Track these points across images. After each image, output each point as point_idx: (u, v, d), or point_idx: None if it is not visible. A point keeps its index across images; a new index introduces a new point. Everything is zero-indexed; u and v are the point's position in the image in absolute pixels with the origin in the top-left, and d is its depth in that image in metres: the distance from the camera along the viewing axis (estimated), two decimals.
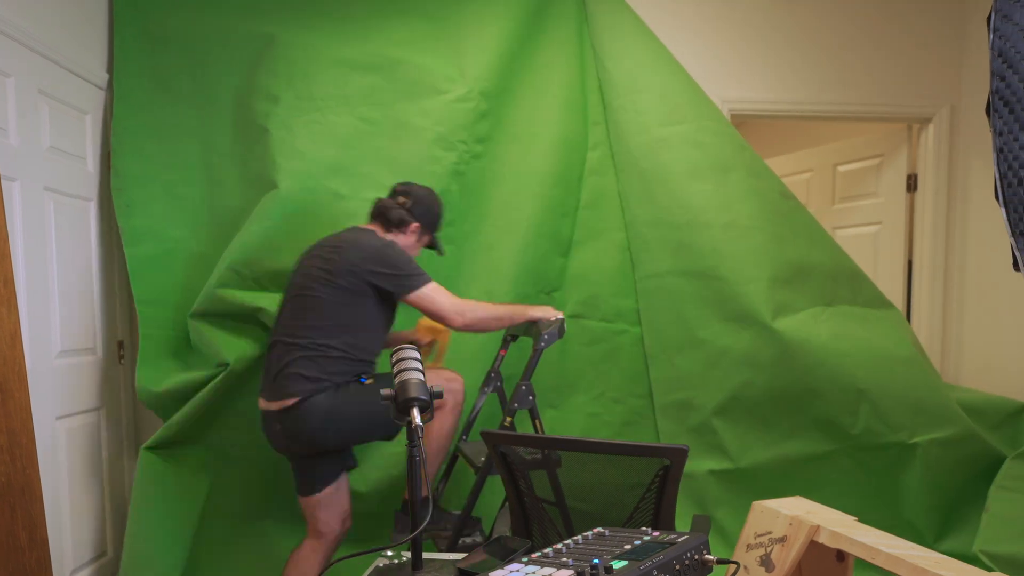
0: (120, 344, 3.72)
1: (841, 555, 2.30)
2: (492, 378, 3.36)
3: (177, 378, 3.34)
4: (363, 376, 2.81)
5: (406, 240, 3.02)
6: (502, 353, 3.37)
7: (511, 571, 1.27)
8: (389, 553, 1.99)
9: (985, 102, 1.20)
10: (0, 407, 2.54)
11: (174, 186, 3.63)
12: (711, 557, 1.44)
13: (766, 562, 2.26)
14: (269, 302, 3.34)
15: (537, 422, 3.04)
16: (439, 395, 1.83)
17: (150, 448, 3.32)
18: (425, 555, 1.87)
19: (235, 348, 3.33)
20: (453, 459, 3.42)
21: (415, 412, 1.74)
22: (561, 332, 3.09)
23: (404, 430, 1.96)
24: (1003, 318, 4.15)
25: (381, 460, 3.52)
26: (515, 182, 3.79)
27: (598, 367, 3.87)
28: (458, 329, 2.90)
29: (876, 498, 3.70)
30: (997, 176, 1.18)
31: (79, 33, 3.41)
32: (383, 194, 3.42)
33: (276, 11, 3.71)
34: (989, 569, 3.16)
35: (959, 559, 3.57)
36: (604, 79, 3.92)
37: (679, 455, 2.09)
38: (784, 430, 3.70)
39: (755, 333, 3.64)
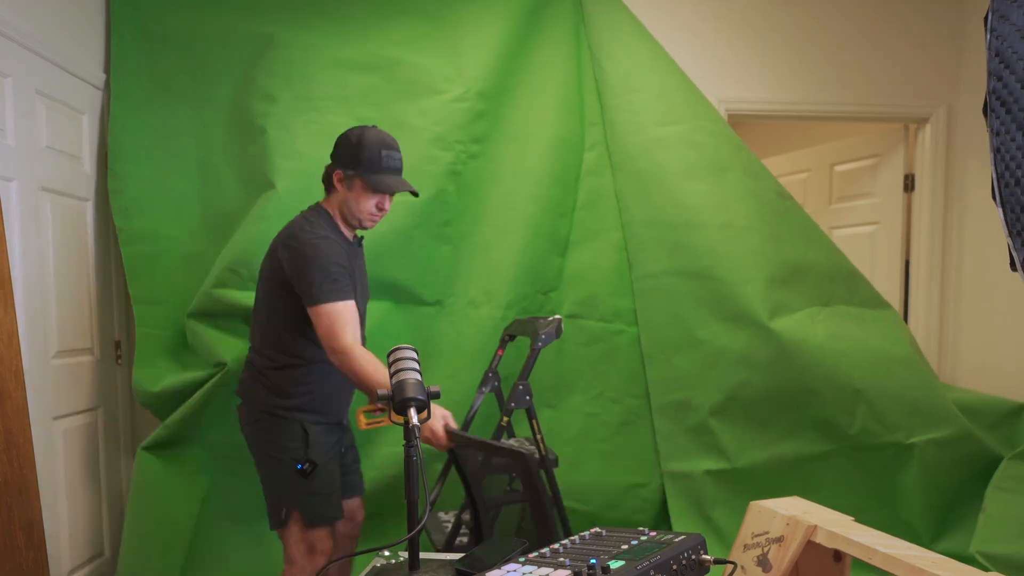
0: (117, 344, 3.72)
1: (838, 555, 2.30)
2: (489, 378, 3.37)
3: (174, 378, 3.34)
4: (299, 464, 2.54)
5: (341, 196, 2.62)
6: (499, 353, 3.37)
7: (508, 571, 1.27)
8: (386, 553, 1.99)
9: (982, 102, 1.20)
10: None
11: (171, 186, 3.62)
12: (708, 557, 1.44)
13: (763, 562, 2.26)
14: None
15: (534, 422, 3.04)
16: (436, 395, 1.83)
17: (147, 448, 3.32)
18: (422, 555, 1.87)
19: (232, 348, 3.32)
20: (450, 459, 3.42)
21: (412, 412, 1.74)
22: (558, 332, 3.06)
23: None
24: (1000, 318, 4.16)
25: (378, 460, 3.52)
26: (512, 182, 3.79)
27: (596, 367, 3.87)
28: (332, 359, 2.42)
29: (873, 498, 3.70)
30: (994, 176, 1.18)
31: (76, 33, 3.41)
32: None
33: (274, 11, 3.71)
34: (986, 570, 3.16)
35: (956, 559, 3.59)
36: (601, 79, 3.92)
37: (522, 460, 2.13)
38: (781, 430, 3.70)
39: (752, 333, 3.64)
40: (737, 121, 4.54)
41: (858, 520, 2.33)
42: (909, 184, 4.65)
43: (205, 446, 3.49)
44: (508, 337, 3.37)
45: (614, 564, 1.26)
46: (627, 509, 3.77)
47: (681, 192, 3.75)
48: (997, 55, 1.16)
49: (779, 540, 2.21)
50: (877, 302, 3.89)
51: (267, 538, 3.52)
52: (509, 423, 3.09)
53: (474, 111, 3.71)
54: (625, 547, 1.39)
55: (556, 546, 1.45)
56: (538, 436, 3.02)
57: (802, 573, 2.31)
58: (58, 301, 3.21)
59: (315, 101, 3.61)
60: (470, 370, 3.60)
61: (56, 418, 3.19)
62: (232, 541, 3.49)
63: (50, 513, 3.05)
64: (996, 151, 1.18)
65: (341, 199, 2.62)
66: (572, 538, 1.51)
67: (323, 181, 2.68)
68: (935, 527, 3.71)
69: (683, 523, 3.68)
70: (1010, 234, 1.16)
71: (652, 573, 1.26)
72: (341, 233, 2.65)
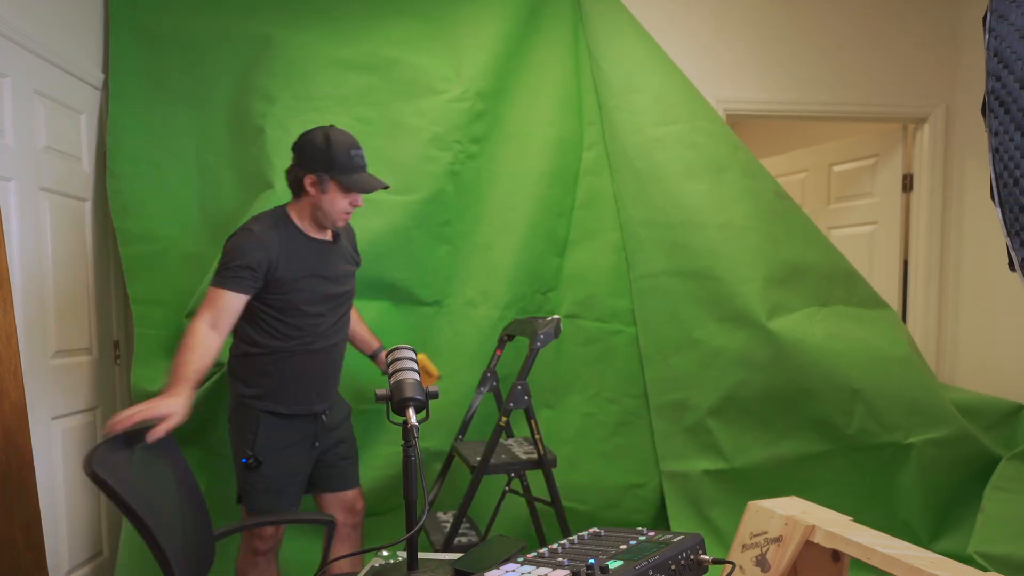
0: (116, 344, 3.71)
1: (837, 555, 2.30)
2: (488, 378, 3.37)
3: None
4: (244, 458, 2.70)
5: (312, 199, 2.64)
6: (498, 353, 3.38)
7: (507, 571, 1.27)
8: (385, 553, 1.99)
9: (980, 102, 1.20)
10: None
11: (170, 186, 3.62)
12: (706, 557, 1.44)
13: (762, 562, 2.26)
14: None
15: (533, 422, 3.04)
16: (434, 395, 1.83)
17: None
18: (421, 555, 1.87)
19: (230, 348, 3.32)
20: (449, 459, 3.42)
21: (410, 412, 1.74)
22: (557, 332, 3.05)
23: None
24: (999, 318, 4.16)
25: (376, 460, 3.52)
26: (511, 182, 3.79)
27: (594, 367, 3.87)
28: None
29: (871, 498, 3.70)
30: (993, 176, 1.18)
31: (75, 33, 3.41)
32: (380, 194, 3.41)
33: (273, 11, 3.71)
34: (984, 570, 3.17)
35: (954, 559, 3.59)
36: (599, 79, 3.92)
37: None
38: (779, 430, 3.70)
39: (750, 333, 3.64)
40: (735, 121, 4.54)
41: (856, 520, 2.33)
42: (907, 184, 4.65)
43: (203, 446, 3.49)
44: (507, 337, 3.37)
45: (612, 564, 1.26)
46: (625, 509, 3.77)
47: (679, 192, 3.75)
48: (995, 55, 1.16)
49: (777, 540, 2.22)
50: (875, 302, 3.89)
51: None
52: (508, 423, 3.09)
53: (473, 111, 3.71)
54: (624, 547, 1.39)
55: (555, 546, 1.45)
56: (536, 436, 3.02)
57: (800, 573, 2.31)
58: (57, 301, 3.21)
59: (314, 101, 3.61)
60: (468, 370, 3.60)
61: (55, 418, 3.19)
62: (229, 541, 3.49)
63: (48, 513, 3.05)
64: (995, 151, 1.17)
65: (313, 202, 2.64)
66: (571, 538, 1.51)
67: (290, 186, 2.70)
68: (933, 527, 3.71)
69: (681, 523, 3.68)
70: (1008, 234, 1.16)
71: (651, 573, 1.26)
72: (302, 234, 2.69)
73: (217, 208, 3.64)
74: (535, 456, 3.05)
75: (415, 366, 1.86)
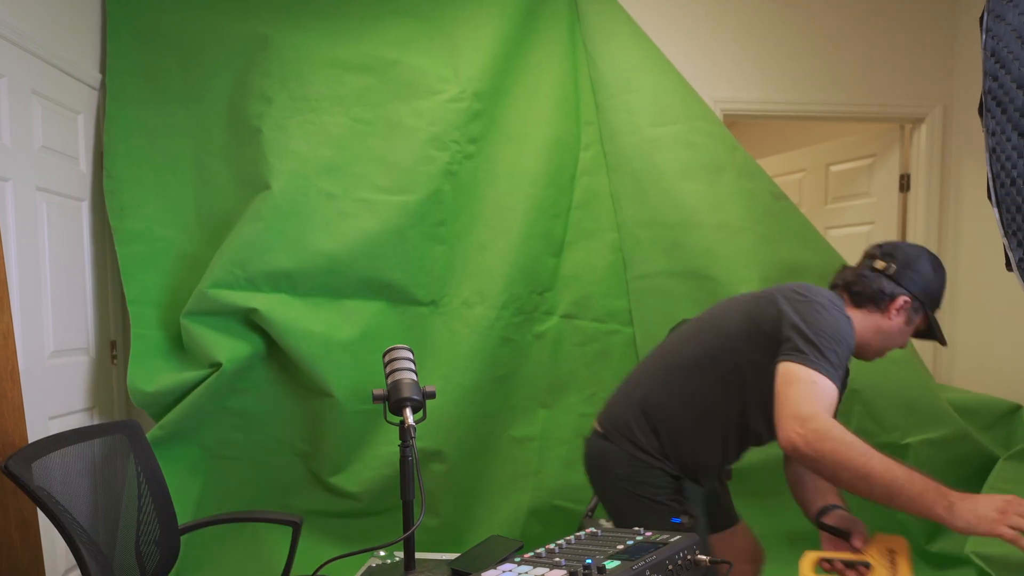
0: (113, 344, 3.71)
1: None
2: None
3: (169, 378, 3.34)
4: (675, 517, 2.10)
5: (888, 322, 2.12)
6: None
7: (504, 571, 1.27)
8: (382, 553, 1.99)
9: (978, 102, 1.20)
10: None
11: (167, 186, 3.62)
12: (704, 557, 1.44)
13: None
14: (262, 302, 3.34)
15: None
16: (432, 395, 1.83)
17: None
18: (418, 555, 1.87)
19: (227, 348, 3.32)
20: None
21: (407, 412, 1.74)
22: None
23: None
24: (996, 318, 4.16)
25: (373, 460, 3.52)
26: (508, 182, 3.78)
27: (590, 367, 3.87)
28: (786, 447, 1.75)
29: None
30: (990, 176, 1.18)
31: (72, 33, 3.40)
32: (376, 194, 3.45)
33: (269, 11, 3.70)
34: (982, 571, 3.17)
35: (951, 560, 3.59)
36: (596, 79, 3.92)
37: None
38: None
39: None
40: (732, 121, 4.54)
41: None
42: (905, 184, 4.65)
43: (200, 446, 3.49)
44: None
45: (610, 564, 1.26)
46: None
47: (676, 192, 3.75)
48: (993, 55, 1.16)
49: None
50: None
51: (261, 538, 3.53)
52: None
53: (470, 111, 3.71)
54: (621, 547, 1.38)
55: (551, 546, 1.44)
56: None
57: None
58: (54, 301, 3.21)
59: (311, 102, 3.61)
60: (464, 370, 3.60)
61: (52, 418, 3.18)
62: (226, 541, 3.49)
63: None
64: (992, 151, 1.17)
65: (885, 324, 2.12)
66: (568, 538, 1.51)
67: (868, 291, 2.14)
68: (931, 527, 3.70)
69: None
70: (1006, 234, 1.16)
71: (648, 573, 1.26)
72: None
73: (214, 208, 3.64)
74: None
75: (412, 366, 1.86)
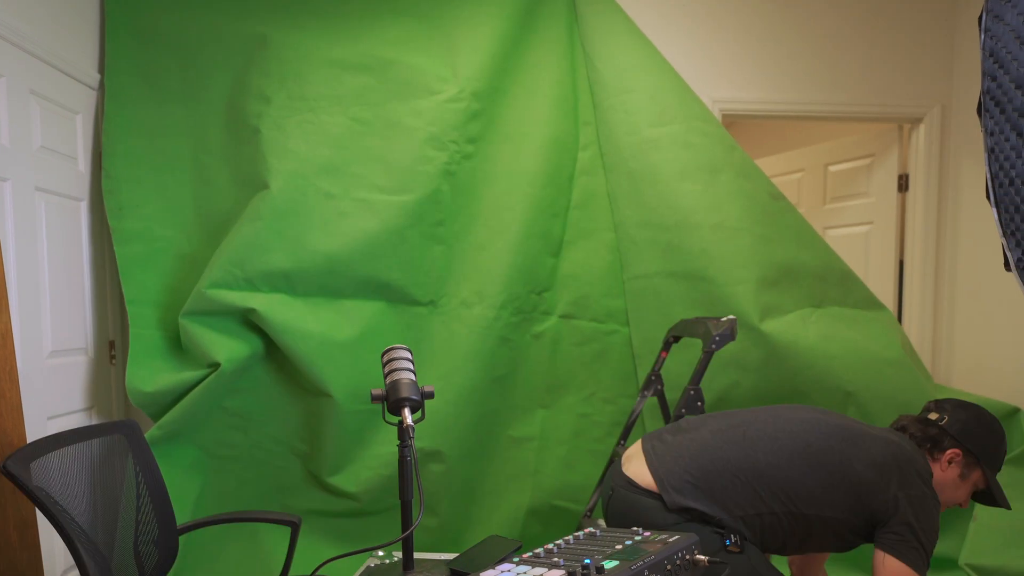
0: (111, 344, 3.71)
1: None
2: (652, 381, 3.29)
3: (168, 378, 3.33)
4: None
5: (941, 473, 2.19)
6: (663, 355, 3.29)
7: (502, 571, 1.27)
8: (380, 553, 1.99)
9: (976, 102, 1.20)
10: None
11: (165, 186, 3.62)
12: (702, 557, 1.44)
13: None
14: (260, 302, 3.34)
15: None
16: (430, 395, 1.83)
17: None
18: (416, 555, 1.87)
19: (226, 348, 3.32)
20: (609, 462, 3.45)
21: (406, 412, 1.74)
22: (733, 334, 2.82)
23: None
24: (994, 318, 4.16)
25: (372, 460, 3.52)
26: (506, 182, 3.79)
27: (589, 367, 3.87)
28: None
29: None
30: (988, 176, 1.18)
31: (71, 33, 3.40)
32: (375, 194, 3.45)
33: (268, 11, 3.71)
34: None
35: (945, 565, 3.60)
36: (594, 79, 3.92)
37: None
38: None
39: (743, 335, 3.64)
40: (731, 121, 4.55)
41: None
42: (903, 184, 4.65)
43: (198, 446, 3.49)
44: (672, 339, 3.29)
45: (608, 564, 1.26)
46: None
47: (674, 193, 3.75)
48: (991, 55, 1.16)
49: None
50: (871, 303, 3.90)
51: (260, 538, 3.53)
52: None
53: (469, 111, 3.71)
54: (619, 547, 1.39)
55: (550, 546, 1.45)
56: None
57: None
58: (52, 301, 3.21)
59: (309, 101, 3.61)
60: (463, 370, 3.60)
61: (50, 418, 3.18)
62: (225, 541, 3.49)
63: None
64: (990, 151, 1.17)
65: (941, 478, 2.20)
66: (566, 538, 1.51)
67: (930, 438, 2.22)
68: None
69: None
70: (1004, 234, 1.16)
71: (646, 573, 1.26)
72: None
73: (212, 208, 3.64)
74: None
75: (411, 366, 1.86)
